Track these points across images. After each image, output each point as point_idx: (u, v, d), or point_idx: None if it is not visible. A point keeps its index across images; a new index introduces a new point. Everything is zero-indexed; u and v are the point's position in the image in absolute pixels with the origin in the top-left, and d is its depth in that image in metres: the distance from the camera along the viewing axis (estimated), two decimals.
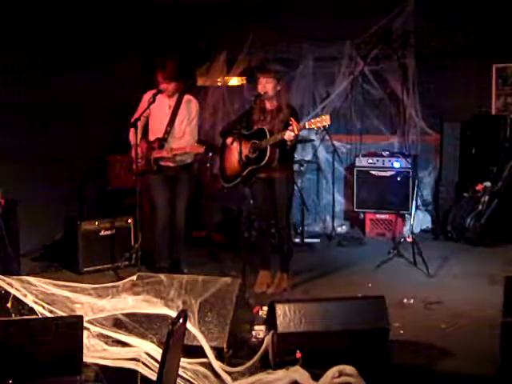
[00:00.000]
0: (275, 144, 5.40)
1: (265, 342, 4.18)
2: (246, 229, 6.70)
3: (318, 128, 5.37)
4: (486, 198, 7.41)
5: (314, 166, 8.37)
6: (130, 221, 6.63)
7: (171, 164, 5.97)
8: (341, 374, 3.80)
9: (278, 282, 5.75)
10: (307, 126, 5.29)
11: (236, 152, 5.42)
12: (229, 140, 5.67)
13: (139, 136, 5.85)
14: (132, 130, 5.76)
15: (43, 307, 4.15)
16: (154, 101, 5.72)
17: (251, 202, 6.67)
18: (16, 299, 4.21)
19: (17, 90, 6.56)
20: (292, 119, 5.24)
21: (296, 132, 5.21)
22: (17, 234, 5.99)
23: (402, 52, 8.14)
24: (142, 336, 4.10)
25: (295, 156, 6.41)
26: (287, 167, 5.68)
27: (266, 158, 5.42)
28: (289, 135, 5.24)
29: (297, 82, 8.40)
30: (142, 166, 5.92)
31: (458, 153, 8.06)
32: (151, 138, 5.99)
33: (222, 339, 4.13)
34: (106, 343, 4.07)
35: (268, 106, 5.60)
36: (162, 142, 5.90)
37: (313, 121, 5.27)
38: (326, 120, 5.19)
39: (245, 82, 8.69)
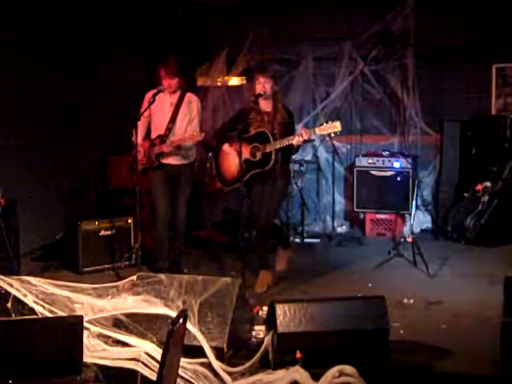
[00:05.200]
0: (279, 148, 5.41)
1: (265, 342, 4.18)
2: (246, 229, 6.69)
3: (329, 134, 5.39)
4: (486, 198, 7.42)
5: (314, 165, 8.38)
6: (129, 221, 6.63)
7: (173, 161, 5.96)
8: (341, 373, 3.80)
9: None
10: (317, 132, 5.31)
11: (234, 156, 5.40)
12: (226, 146, 5.66)
13: (139, 136, 5.86)
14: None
15: (43, 307, 4.15)
16: (154, 100, 5.72)
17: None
18: (16, 299, 4.21)
19: (17, 91, 6.56)
20: (301, 127, 5.27)
21: (305, 138, 5.24)
22: (17, 234, 5.99)
23: (402, 52, 8.15)
24: (142, 336, 4.10)
25: (294, 156, 6.42)
26: (286, 168, 5.71)
27: (272, 162, 5.42)
28: (298, 141, 5.27)
29: (297, 82, 8.41)
30: (144, 163, 5.92)
31: (458, 153, 8.08)
32: (153, 135, 6.00)
33: (222, 339, 4.12)
34: (106, 343, 4.07)
35: (263, 106, 5.59)
36: (163, 138, 5.91)
37: (322, 127, 5.27)
38: (336, 126, 5.20)
39: (245, 82, 8.69)
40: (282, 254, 5.91)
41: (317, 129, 5.30)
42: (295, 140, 5.27)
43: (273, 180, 5.57)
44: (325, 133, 5.30)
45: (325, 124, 5.32)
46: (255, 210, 5.93)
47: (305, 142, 5.44)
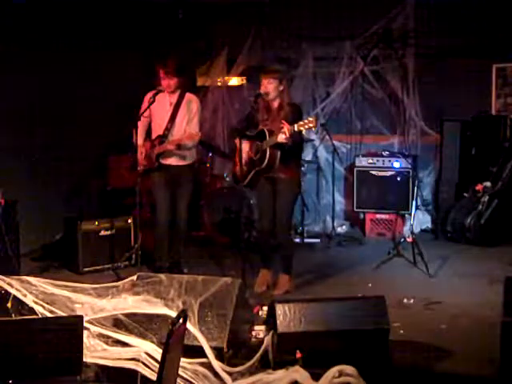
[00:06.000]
0: (275, 145, 5.39)
1: (265, 342, 4.18)
2: (246, 229, 6.69)
3: (307, 130, 5.36)
4: (486, 198, 7.42)
5: (314, 165, 8.37)
6: (129, 221, 6.62)
7: (173, 162, 5.97)
8: (341, 373, 3.80)
9: (280, 284, 5.73)
10: (296, 129, 5.24)
11: (243, 153, 5.44)
12: (237, 141, 5.67)
13: (140, 136, 5.87)
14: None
15: (43, 307, 4.15)
16: (154, 101, 5.73)
17: (251, 201, 6.68)
18: (16, 299, 4.21)
19: (17, 90, 6.56)
20: (283, 122, 5.23)
21: (287, 134, 5.20)
22: (17, 234, 5.98)
23: (402, 52, 8.15)
24: (142, 336, 4.11)
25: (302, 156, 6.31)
26: (291, 167, 5.59)
27: (267, 160, 5.41)
28: (281, 138, 5.22)
29: (297, 82, 8.41)
30: (145, 164, 5.93)
31: (457, 153, 8.07)
32: (153, 136, 6.01)
33: (222, 339, 4.13)
34: (106, 343, 4.07)
35: (272, 105, 5.59)
36: (162, 138, 5.91)
37: (301, 123, 5.25)
38: (312, 122, 5.18)
39: (245, 82, 8.70)
40: (282, 279, 5.74)
41: (296, 125, 5.27)
42: (279, 138, 5.24)
43: (276, 180, 5.55)
44: (302, 129, 5.26)
45: (304, 120, 5.30)
46: (258, 210, 5.92)
47: (293, 139, 5.36)
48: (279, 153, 5.43)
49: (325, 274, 6.35)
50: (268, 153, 5.41)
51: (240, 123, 5.81)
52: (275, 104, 5.57)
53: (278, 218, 5.62)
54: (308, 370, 3.86)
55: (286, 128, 5.17)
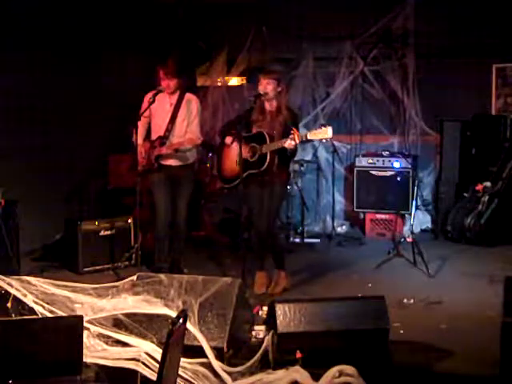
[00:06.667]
0: (275, 150, 5.39)
1: (265, 342, 4.18)
2: (246, 229, 6.69)
3: (320, 140, 5.38)
4: (486, 198, 7.42)
5: (314, 165, 8.38)
6: (129, 221, 6.62)
7: (173, 163, 5.96)
8: (341, 373, 3.80)
9: (278, 281, 5.73)
10: (309, 137, 5.24)
11: (235, 154, 5.42)
12: (228, 139, 5.64)
13: (140, 136, 5.87)
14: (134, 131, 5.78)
15: (43, 307, 4.15)
16: (153, 101, 5.72)
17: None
18: (16, 299, 4.21)
19: (17, 90, 6.56)
20: (294, 129, 5.23)
21: (297, 141, 5.20)
22: (17, 234, 5.98)
23: (402, 52, 8.16)
24: (142, 336, 4.10)
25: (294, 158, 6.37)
26: (284, 171, 5.63)
27: (266, 163, 5.40)
28: (289, 144, 5.21)
29: (297, 82, 8.41)
30: (145, 165, 5.93)
31: (457, 153, 8.08)
32: (153, 137, 6.00)
33: (222, 339, 4.12)
34: (106, 343, 4.07)
35: (267, 106, 5.57)
36: (163, 139, 5.91)
37: (314, 132, 5.24)
38: (326, 132, 5.17)
39: (245, 82, 8.70)
40: (279, 277, 5.75)
41: (308, 134, 5.26)
42: (287, 143, 5.22)
43: (270, 182, 5.55)
44: (315, 138, 5.27)
45: (317, 129, 5.29)
46: (254, 212, 5.91)
47: (302, 143, 5.40)
48: (277, 157, 5.44)
49: (325, 273, 6.35)
50: (268, 157, 5.40)
51: (232, 123, 5.78)
52: (271, 106, 5.56)
53: (269, 218, 5.64)
54: (308, 370, 3.86)
55: (297, 135, 5.18)
